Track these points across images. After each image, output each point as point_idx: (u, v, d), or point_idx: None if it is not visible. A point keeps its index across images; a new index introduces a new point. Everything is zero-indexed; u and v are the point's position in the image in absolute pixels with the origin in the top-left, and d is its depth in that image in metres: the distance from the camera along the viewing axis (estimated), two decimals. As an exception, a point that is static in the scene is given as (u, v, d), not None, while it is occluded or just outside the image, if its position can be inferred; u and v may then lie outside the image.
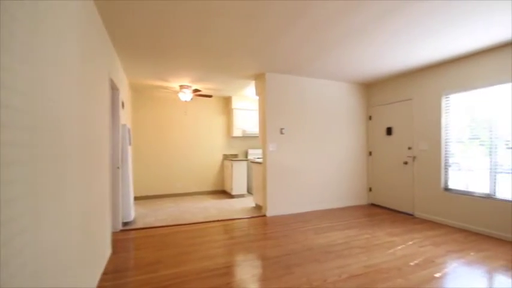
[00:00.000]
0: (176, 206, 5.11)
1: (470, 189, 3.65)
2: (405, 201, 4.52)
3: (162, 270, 2.50)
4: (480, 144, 3.55)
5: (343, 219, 4.15)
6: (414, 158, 4.34)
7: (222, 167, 6.61)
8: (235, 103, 6.36)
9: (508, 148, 3.26)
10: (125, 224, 3.86)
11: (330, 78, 4.80)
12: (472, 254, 2.81)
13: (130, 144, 4.07)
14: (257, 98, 4.89)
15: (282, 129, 4.49)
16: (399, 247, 3.02)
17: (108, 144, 2.79)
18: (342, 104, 5.06)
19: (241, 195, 6.00)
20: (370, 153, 5.26)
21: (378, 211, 4.68)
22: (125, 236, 3.44)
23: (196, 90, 5.14)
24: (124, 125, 3.81)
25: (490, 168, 3.42)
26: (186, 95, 5.12)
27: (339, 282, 2.25)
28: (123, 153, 3.75)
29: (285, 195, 4.53)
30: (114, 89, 3.43)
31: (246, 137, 6.73)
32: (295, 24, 2.69)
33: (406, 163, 4.49)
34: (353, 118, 5.17)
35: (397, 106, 4.66)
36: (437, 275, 2.37)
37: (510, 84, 3.18)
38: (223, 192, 6.55)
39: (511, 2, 2.24)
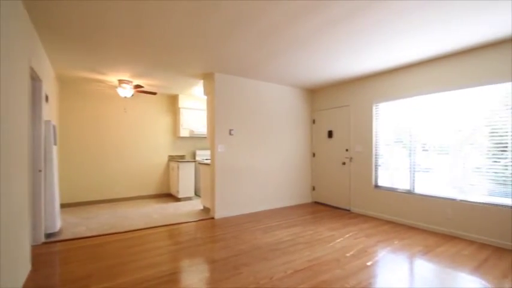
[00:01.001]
0: (113, 213, 4.64)
1: (395, 186, 4.17)
2: (343, 198, 4.94)
3: (94, 284, 2.22)
4: (403, 147, 4.09)
5: (290, 218, 4.32)
6: (351, 159, 4.79)
7: (168, 168, 6.26)
8: (183, 102, 6.10)
9: (424, 150, 3.83)
10: (49, 235, 3.34)
11: (279, 83, 4.98)
12: (396, 242, 3.21)
13: (55, 143, 3.54)
14: (205, 97, 4.78)
15: (231, 130, 4.47)
16: (338, 240, 3.27)
17: (27, 143, 2.37)
18: (289, 108, 5.29)
19: (188, 198, 5.77)
20: (314, 155, 5.61)
21: (320, 208, 5.01)
22: (48, 250, 2.97)
23: (138, 86, 4.77)
24: (48, 122, 3.30)
25: (410, 168, 3.97)
26: (126, 91, 4.71)
27: (285, 278, 2.31)
28: (46, 154, 3.24)
29: (233, 196, 4.51)
30: (35, 79, 2.95)
31: (193, 138, 6.52)
32: (243, 30, 2.73)
33: (344, 163, 4.92)
34: (298, 121, 5.45)
35: (337, 111, 5.08)
36: (369, 263, 2.63)
37: (425, 96, 3.76)
38: (168, 196, 6.20)
39: (438, 25, 2.65)
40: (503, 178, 3.08)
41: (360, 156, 4.63)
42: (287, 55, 3.49)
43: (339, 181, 5.03)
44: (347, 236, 3.45)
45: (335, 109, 5.13)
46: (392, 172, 4.25)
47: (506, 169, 3.05)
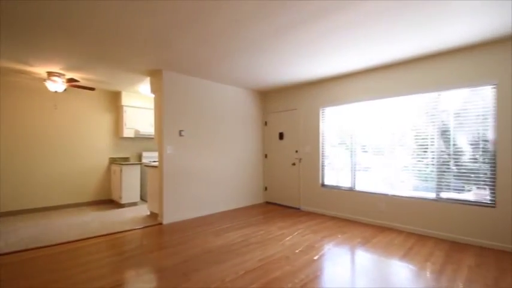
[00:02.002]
0: (41, 224, 4.02)
1: (340, 184, 4.51)
2: (293, 198, 5.14)
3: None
4: (346, 148, 4.45)
5: (242, 219, 4.32)
6: (300, 159, 5.02)
7: (109, 172, 5.70)
8: (126, 100, 5.63)
9: (364, 151, 4.22)
10: (-51, 256, 2.72)
11: (231, 84, 4.96)
12: (339, 236, 3.46)
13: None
14: (153, 96, 4.49)
15: (181, 131, 4.29)
16: (288, 238, 3.38)
17: None
18: (242, 109, 5.31)
19: (133, 204, 5.34)
20: (266, 156, 5.73)
21: (272, 208, 5.14)
22: None
23: (71, 80, 4.24)
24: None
25: (351, 167, 4.34)
26: (57, 85, 4.13)
27: (237, 280, 2.29)
28: None
29: (184, 199, 4.32)
30: None
31: (139, 138, 6.06)
32: (195, 28, 2.64)
33: (294, 164, 5.13)
34: (251, 123, 5.51)
35: (288, 114, 5.29)
36: (315, 257, 2.78)
37: (365, 102, 4.15)
38: (110, 202, 5.65)
39: (383, 39, 2.93)
40: (425, 175, 3.57)
41: (309, 157, 4.89)
42: (240, 57, 3.50)
43: (289, 181, 5.23)
44: (296, 233, 3.59)
45: (286, 112, 5.33)
46: (337, 171, 4.58)
47: (427, 167, 3.55)
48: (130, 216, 4.53)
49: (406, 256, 2.80)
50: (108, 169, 5.69)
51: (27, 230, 3.70)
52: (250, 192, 5.44)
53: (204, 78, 4.59)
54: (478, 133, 3.16)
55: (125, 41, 2.96)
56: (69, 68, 3.97)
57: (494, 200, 3.02)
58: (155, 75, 4.24)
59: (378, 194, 3.97)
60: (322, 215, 4.56)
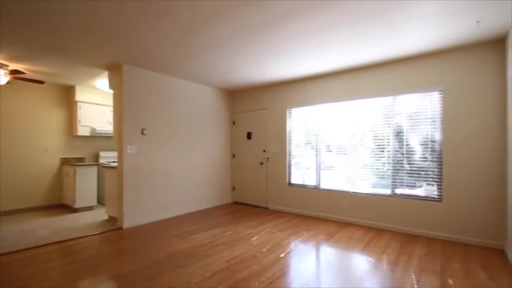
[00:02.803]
0: (-25, 234, 3.52)
1: (306, 183, 4.64)
2: (261, 197, 5.17)
3: None
4: (311, 148, 4.59)
5: (209, 220, 4.23)
6: (268, 159, 5.07)
7: (60, 174, 5.19)
8: (81, 95, 5.16)
9: (328, 151, 4.40)
10: None
11: (198, 82, 4.83)
12: (305, 233, 3.56)
13: None
14: (112, 91, 4.17)
15: (143, 129, 4.06)
16: (255, 237, 3.38)
17: None
18: (209, 108, 5.20)
19: (89, 208, 4.93)
20: (234, 156, 5.69)
21: (240, 208, 5.11)
22: None
23: (16, 72, 3.78)
24: None
25: (317, 166, 4.49)
26: (-1, 76, 3.67)
27: (203, 282, 2.23)
28: None
29: (146, 202, 4.10)
30: None
31: (96, 137, 5.61)
32: (160, 22, 2.53)
33: (261, 163, 5.17)
34: (219, 122, 5.43)
35: (256, 114, 5.31)
36: (282, 255, 2.82)
37: (331, 103, 4.33)
38: (61, 206, 5.14)
39: (345, 46, 3.05)
40: (382, 173, 3.83)
41: (276, 157, 4.95)
42: (208, 54, 3.41)
43: (257, 180, 5.25)
44: (263, 232, 3.61)
45: (254, 111, 5.34)
46: (303, 171, 4.71)
47: (384, 166, 3.81)
48: (86, 221, 4.17)
49: (365, 249, 2.97)
50: (60, 171, 5.18)
51: (-43, 242, 3.21)
52: (217, 193, 5.35)
53: (170, 75, 4.41)
54: (427, 134, 3.47)
55: (80, 29, 2.70)
56: (13, 58, 3.54)
57: (441, 195, 3.35)
58: (114, 69, 3.96)
59: (341, 191, 4.17)
60: (289, 213, 4.65)
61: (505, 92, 2.89)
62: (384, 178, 3.82)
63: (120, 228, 3.79)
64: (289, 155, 4.84)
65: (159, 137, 4.29)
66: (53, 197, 5.10)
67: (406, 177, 3.63)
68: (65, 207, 5.07)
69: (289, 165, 4.84)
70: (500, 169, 2.96)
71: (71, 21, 2.52)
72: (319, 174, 4.47)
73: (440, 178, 3.36)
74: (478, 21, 2.54)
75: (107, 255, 2.84)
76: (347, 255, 2.82)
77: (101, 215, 4.54)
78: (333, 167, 4.36)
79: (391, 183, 3.73)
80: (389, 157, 3.76)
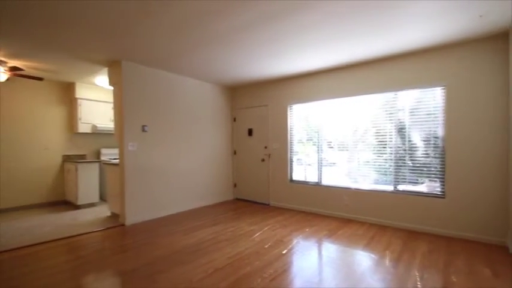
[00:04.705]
0: (-22, 230, 3.54)
1: (307, 179, 4.63)
2: (263, 193, 5.17)
3: None
4: (313, 144, 4.58)
5: (212, 216, 4.23)
6: (269, 155, 5.06)
7: (62, 171, 5.20)
8: (81, 91, 5.14)
9: (330, 147, 4.38)
10: None
11: (199, 78, 4.80)
12: (307, 229, 3.56)
13: None
14: (112, 88, 4.16)
15: (144, 126, 4.05)
16: (257, 234, 3.38)
17: None
18: (210, 105, 5.18)
19: (92, 205, 4.94)
20: (235, 152, 5.68)
21: (242, 204, 5.11)
22: None
23: (15, 69, 3.76)
24: None
25: (318, 163, 4.48)
26: (-1, 74, 3.66)
27: (205, 279, 2.23)
28: None
29: (148, 198, 4.10)
30: None
31: (97, 134, 5.60)
32: (158, 18, 2.51)
33: (263, 160, 5.16)
34: (220, 119, 5.41)
35: (257, 110, 5.29)
36: (284, 251, 2.82)
37: (332, 99, 4.29)
38: (64, 203, 5.16)
39: (346, 41, 3.01)
40: (384, 169, 3.82)
41: (277, 153, 4.94)
42: (208, 50, 3.38)
43: (258, 177, 5.24)
44: (265, 228, 3.61)
45: (255, 108, 5.32)
46: (305, 167, 4.70)
47: (386, 162, 3.79)
48: (89, 218, 4.18)
49: (367, 246, 2.97)
50: (62, 168, 5.19)
51: (-39, 239, 3.23)
52: (219, 189, 5.35)
53: (170, 71, 4.38)
54: (430, 130, 3.45)
55: (78, 23, 2.66)
56: (12, 55, 3.52)
57: (443, 191, 3.33)
58: (114, 66, 3.93)
59: (343, 188, 4.16)
60: (291, 210, 4.65)
61: (508, 87, 2.86)
62: (386, 174, 3.80)
63: (123, 224, 3.81)
64: (291, 152, 4.83)
65: (160, 134, 4.28)
66: (56, 193, 5.12)
67: (408, 174, 3.61)
68: (68, 204, 5.09)
69: (291, 161, 4.83)
70: (504, 165, 2.94)
71: (68, 15, 2.48)
72: (321, 170, 4.45)
73: (443, 174, 3.34)
74: (481, 16, 2.50)
75: (110, 251, 2.85)
76: (349, 252, 2.82)
77: (103, 211, 4.55)
78: (334, 163, 4.34)
79: (393, 180, 3.72)
80: (391, 153, 3.74)
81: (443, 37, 2.99)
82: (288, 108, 4.80)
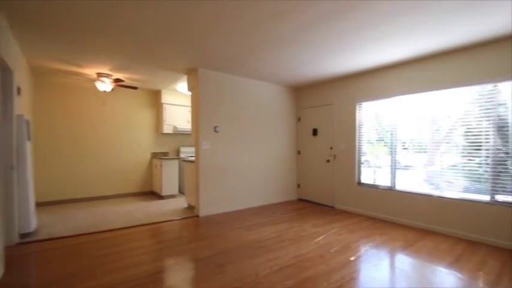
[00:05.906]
0: (92, 212, 4.46)
1: (378, 183, 4.29)
2: (327, 195, 5.02)
3: (78, 284, 2.13)
4: (384, 145, 4.21)
5: (275, 215, 4.34)
6: (335, 156, 4.87)
7: (151, 166, 6.11)
8: (165, 97, 5.95)
9: (404, 148, 3.96)
10: (24, 235, 3.15)
11: (264, 80, 4.96)
12: (377, 237, 3.30)
13: (29, 139, 3.34)
14: (190, 93, 4.69)
15: (216, 127, 4.41)
16: (322, 236, 3.32)
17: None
18: (274, 105, 5.29)
19: (172, 196, 5.66)
20: (299, 152, 5.66)
21: (305, 205, 5.07)
22: (23, 251, 2.81)
23: (117, 80, 4.59)
24: (20, 116, 3.11)
25: (391, 165, 4.09)
26: (106, 85, 4.51)
27: (270, 275, 2.32)
28: (19, 151, 3.05)
29: (218, 194, 4.47)
30: (5, 70, 2.76)
31: (177, 134, 6.38)
32: (227, 25, 2.70)
33: (328, 161, 5.00)
34: (284, 119, 5.47)
35: (322, 109, 5.14)
36: (352, 258, 2.69)
37: (407, 95, 3.87)
38: (151, 194, 6.06)
39: (420, 29, 2.71)
40: (477, 176, 3.24)
41: (344, 154, 4.71)
42: (271, 52, 3.47)
43: (323, 178, 5.11)
44: (331, 232, 3.50)
45: (320, 107, 5.19)
46: (375, 169, 4.36)
47: (480, 167, 3.21)
48: (170, 207, 4.81)
49: (454, 263, 2.58)
50: (150, 163, 6.09)
51: (82, 216, 4.14)
52: (283, 189, 5.43)
53: (237, 75, 4.66)
54: (546, 129, 2.77)
55: (168, 41, 3.11)
56: (116, 69, 4.30)
57: None
58: (192, 73, 4.40)
59: (421, 194, 3.70)
60: (358, 215, 4.39)
61: None
62: (479, 182, 3.22)
63: (197, 216, 4.25)
64: (359, 153, 4.54)
65: (229, 134, 4.60)
66: (145, 185, 6.05)
67: (510, 182, 2.98)
68: (154, 194, 5.96)
69: (359, 163, 4.54)
70: None
71: (154, 34, 2.92)
72: (394, 174, 4.06)
73: None
74: None
75: (186, 239, 3.23)
76: (430, 268, 2.51)
77: (181, 203, 5.16)
78: (410, 166, 3.90)
79: (490, 188, 3.13)
80: (487, 156, 3.15)
81: None
82: (357, 107, 4.52)
